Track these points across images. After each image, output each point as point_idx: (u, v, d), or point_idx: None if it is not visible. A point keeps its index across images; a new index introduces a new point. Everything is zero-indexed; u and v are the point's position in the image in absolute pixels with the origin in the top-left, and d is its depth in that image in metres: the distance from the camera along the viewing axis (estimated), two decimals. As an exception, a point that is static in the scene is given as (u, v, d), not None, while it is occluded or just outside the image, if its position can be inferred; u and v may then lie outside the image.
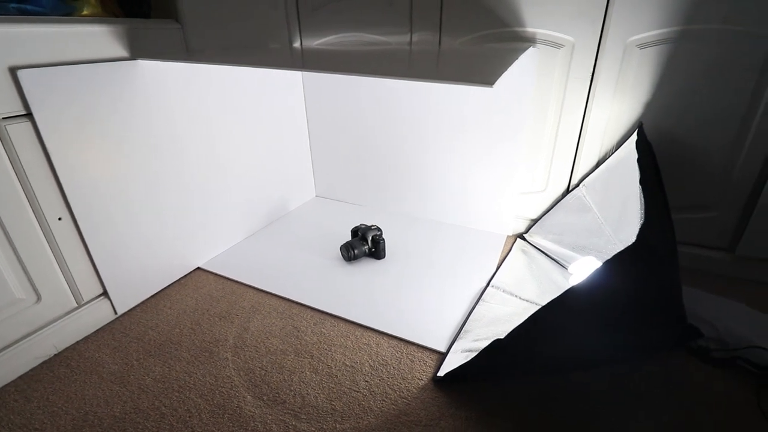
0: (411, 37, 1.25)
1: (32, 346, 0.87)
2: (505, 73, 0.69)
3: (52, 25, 0.81)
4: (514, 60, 0.83)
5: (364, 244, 1.23)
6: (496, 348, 0.70)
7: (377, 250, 1.23)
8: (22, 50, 0.77)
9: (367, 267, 1.22)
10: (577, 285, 0.66)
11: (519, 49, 1.06)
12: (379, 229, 1.24)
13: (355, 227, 1.27)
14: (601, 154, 1.19)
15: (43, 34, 0.80)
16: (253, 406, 0.78)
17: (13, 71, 0.76)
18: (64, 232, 0.88)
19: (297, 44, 1.42)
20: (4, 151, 0.77)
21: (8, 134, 0.77)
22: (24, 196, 0.81)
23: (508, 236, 1.38)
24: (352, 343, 0.93)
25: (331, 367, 0.87)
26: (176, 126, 1.06)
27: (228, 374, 0.85)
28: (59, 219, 0.87)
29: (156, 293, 1.10)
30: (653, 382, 0.81)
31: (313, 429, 0.74)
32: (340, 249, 1.24)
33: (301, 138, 1.57)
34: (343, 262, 1.23)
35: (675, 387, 0.80)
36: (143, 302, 1.07)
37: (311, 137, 1.59)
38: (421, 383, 0.83)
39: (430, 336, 0.94)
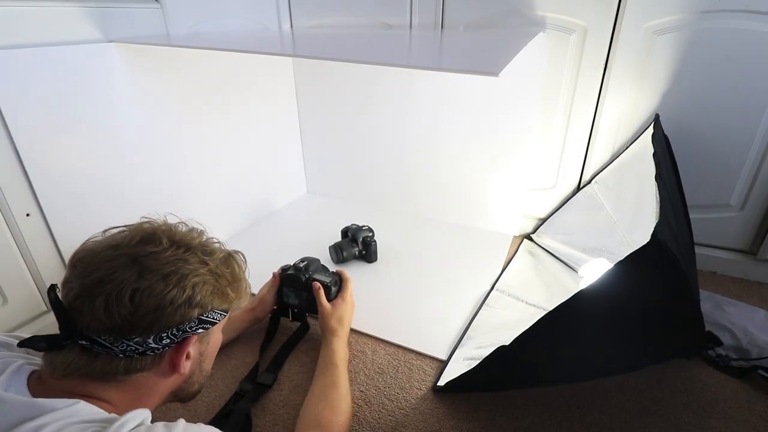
0: (411, 18, 1.26)
1: (-3, 354, 0.88)
2: (512, 60, 0.71)
3: (16, 2, 0.81)
4: (522, 47, 0.85)
5: (354, 246, 1.25)
6: (500, 356, 0.71)
7: (368, 253, 1.25)
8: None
9: (360, 269, 1.24)
10: (586, 288, 0.67)
11: (527, 34, 1.07)
12: (370, 230, 1.26)
13: (346, 227, 1.29)
14: (615, 149, 1.21)
15: (6, 13, 0.80)
16: (238, 418, 0.79)
17: (-26, 55, 0.77)
18: (32, 229, 0.89)
19: (287, 26, 1.42)
20: (-33, 142, 0.78)
21: (-29, 124, 0.78)
22: (-11, 190, 0.82)
23: (514, 236, 1.40)
24: (345, 350, 0.95)
25: (323, 377, 0.88)
26: (154, 116, 1.07)
27: (213, 383, 0.86)
28: (27, 215, 0.88)
29: (132, 297, 1.11)
30: (667, 393, 0.84)
31: (303, 442, 0.75)
32: (329, 250, 1.26)
33: (291, 130, 1.58)
34: (333, 264, 1.25)
35: (690, 398, 0.83)
36: (118, 306, 1.07)
37: (302, 129, 1.60)
38: (420, 393, 0.85)
39: (429, 343, 0.96)
